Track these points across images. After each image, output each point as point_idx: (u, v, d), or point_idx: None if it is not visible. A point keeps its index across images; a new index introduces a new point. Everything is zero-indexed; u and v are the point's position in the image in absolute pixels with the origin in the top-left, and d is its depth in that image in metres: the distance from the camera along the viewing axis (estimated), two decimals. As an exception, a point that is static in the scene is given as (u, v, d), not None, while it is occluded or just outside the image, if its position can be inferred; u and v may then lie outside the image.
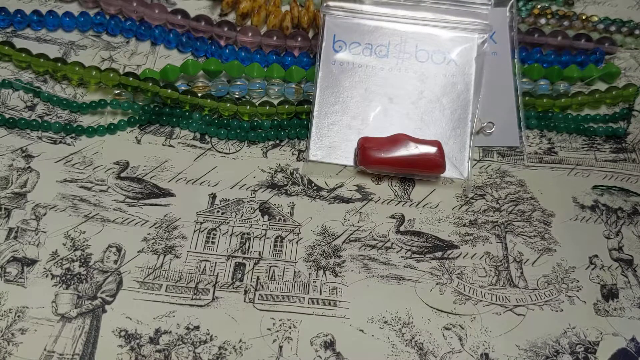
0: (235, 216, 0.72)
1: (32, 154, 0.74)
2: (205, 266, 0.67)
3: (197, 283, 0.66)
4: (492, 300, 0.67)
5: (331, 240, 0.70)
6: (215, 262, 0.68)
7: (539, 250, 0.72)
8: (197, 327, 0.63)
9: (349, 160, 0.76)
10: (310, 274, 0.68)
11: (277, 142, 0.79)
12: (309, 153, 0.76)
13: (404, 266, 0.69)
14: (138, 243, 0.68)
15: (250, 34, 0.86)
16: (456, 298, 0.67)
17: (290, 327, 0.64)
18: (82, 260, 0.66)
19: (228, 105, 0.78)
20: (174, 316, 0.64)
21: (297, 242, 0.70)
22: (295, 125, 0.79)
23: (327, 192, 0.75)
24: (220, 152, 0.77)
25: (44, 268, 0.66)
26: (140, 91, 0.78)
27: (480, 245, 0.71)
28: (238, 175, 0.75)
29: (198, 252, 0.68)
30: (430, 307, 0.66)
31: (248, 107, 0.78)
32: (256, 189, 0.74)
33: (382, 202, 0.74)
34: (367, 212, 0.73)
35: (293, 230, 0.71)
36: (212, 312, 0.64)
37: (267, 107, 0.79)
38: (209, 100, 0.78)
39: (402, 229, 0.72)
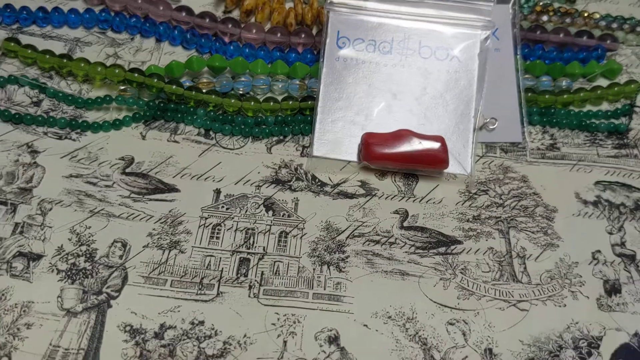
0: (240, 211, 0.72)
1: (38, 150, 0.74)
2: (210, 261, 0.68)
3: (202, 278, 0.66)
4: (495, 295, 0.67)
5: (335, 235, 0.71)
6: (220, 257, 0.68)
7: (542, 245, 0.72)
8: (201, 322, 0.63)
9: (353, 156, 0.76)
10: (314, 269, 0.68)
11: (281, 137, 0.79)
12: (312, 149, 0.76)
13: (408, 261, 0.69)
14: (143, 238, 0.69)
15: (254, 31, 0.86)
16: (460, 293, 0.67)
17: (294, 322, 0.64)
18: (88, 256, 0.67)
19: (232, 101, 0.78)
20: (178, 311, 0.64)
21: (301, 237, 0.70)
22: (299, 121, 0.79)
23: (331, 187, 0.75)
24: (224, 148, 0.77)
25: (50, 263, 0.66)
26: (145, 87, 0.78)
27: (483, 241, 0.72)
28: (242, 170, 0.75)
29: (203, 248, 0.69)
30: (434, 302, 0.66)
31: (252, 103, 0.79)
32: (260, 184, 0.74)
33: (386, 198, 0.74)
34: (371, 207, 0.73)
35: (297, 225, 0.71)
36: (217, 307, 0.64)
37: (271, 103, 0.79)
38: (213, 96, 0.78)
39: (405, 224, 0.72)
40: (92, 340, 0.61)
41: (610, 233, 0.73)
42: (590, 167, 0.79)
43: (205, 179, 0.74)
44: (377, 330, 0.64)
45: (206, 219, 0.71)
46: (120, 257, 0.67)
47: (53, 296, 0.64)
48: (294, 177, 0.75)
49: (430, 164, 0.74)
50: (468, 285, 0.68)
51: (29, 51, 0.80)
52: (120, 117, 0.77)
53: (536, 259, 0.71)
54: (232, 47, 0.84)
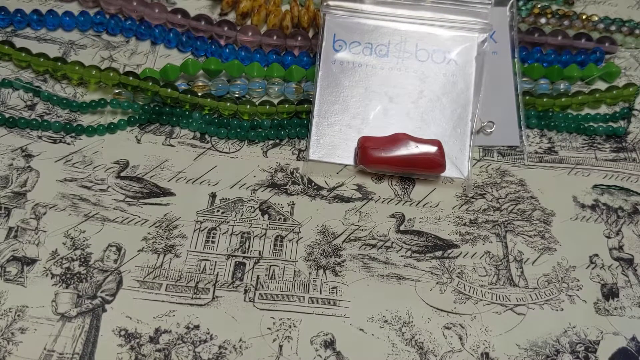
0: (235, 215, 0.72)
1: (32, 153, 0.74)
2: (205, 265, 0.67)
3: (197, 282, 0.66)
4: (492, 299, 0.67)
5: (331, 239, 0.70)
6: (215, 262, 0.68)
7: (539, 249, 0.72)
8: (197, 327, 0.63)
9: (349, 160, 0.76)
10: (310, 273, 0.68)
11: (277, 141, 0.79)
12: (309, 152, 0.75)
13: (404, 265, 0.69)
14: (138, 242, 0.68)
15: (250, 34, 0.86)
16: (456, 297, 0.67)
17: (290, 327, 0.64)
18: (82, 260, 0.66)
19: (228, 104, 0.78)
20: (174, 315, 0.64)
21: (297, 241, 0.70)
22: (295, 125, 0.79)
23: (327, 191, 0.74)
24: (220, 152, 0.77)
25: (44, 267, 0.66)
26: (140, 90, 0.78)
27: (480, 245, 0.71)
28: (238, 174, 0.75)
29: (198, 252, 0.68)
30: (431, 306, 0.66)
31: (248, 106, 0.78)
32: (256, 188, 0.74)
33: (382, 202, 0.74)
34: (367, 211, 0.73)
35: (293, 229, 0.71)
36: (212, 311, 0.64)
37: (267, 107, 0.79)
38: (209, 100, 0.78)
39: (402, 228, 0.72)
40: (86, 345, 0.61)
41: (608, 237, 0.73)
42: (588, 170, 0.79)
43: (201, 182, 0.74)
44: (373, 335, 0.64)
45: (201, 223, 0.71)
46: (115, 261, 0.67)
47: (47, 300, 0.63)
48: (290, 181, 0.75)
49: (427, 167, 0.74)
50: (465, 290, 0.68)
51: (23, 54, 0.80)
52: (115, 120, 0.77)
53: (533, 262, 0.70)
54: (227, 50, 0.84)
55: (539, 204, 0.75)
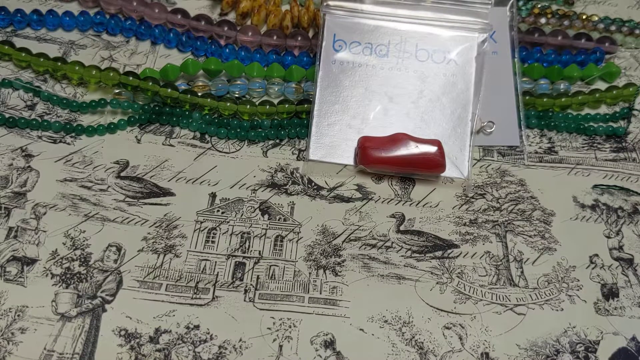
0: (235, 215, 0.72)
1: (32, 153, 0.74)
2: (205, 265, 0.67)
3: (197, 282, 0.66)
4: (492, 299, 0.67)
5: (331, 239, 0.70)
6: (215, 262, 0.68)
7: (539, 249, 0.71)
8: (197, 327, 0.63)
9: (349, 160, 0.76)
10: (310, 273, 0.68)
11: (277, 141, 0.79)
12: (309, 152, 0.75)
13: (404, 265, 0.69)
14: (138, 242, 0.68)
15: (250, 34, 0.86)
16: (456, 297, 0.67)
17: (290, 327, 0.64)
18: (82, 260, 0.66)
19: (228, 104, 0.78)
20: (174, 315, 0.63)
21: (297, 241, 0.70)
22: (295, 125, 0.79)
23: (327, 191, 0.74)
24: (220, 152, 0.77)
25: (44, 267, 0.66)
26: (140, 90, 0.78)
27: (480, 245, 0.71)
28: (238, 174, 0.75)
29: (198, 252, 0.68)
30: (431, 306, 0.66)
31: (248, 106, 0.78)
32: (256, 188, 0.74)
33: (382, 202, 0.74)
34: (367, 211, 0.73)
35: (293, 229, 0.71)
36: (212, 311, 0.64)
37: (267, 107, 0.79)
38: (209, 100, 0.78)
39: (402, 228, 0.72)
40: (86, 345, 0.61)
41: (608, 237, 0.73)
42: (588, 170, 0.79)
43: (201, 182, 0.74)
44: (373, 335, 0.64)
45: (201, 223, 0.70)
46: (115, 261, 0.67)
47: (47, 300, 0.63)
48: (290, 181, 0.75)
49: (427, 167, 0.74)
50: (465, 289, 0.68)
51: (23, 54, 0.80)
52: (115, 120, 0.77)
53: (533, 262, 0.70)
54: (227, 50, 0.84)
55: (539, 204, 0.75)
